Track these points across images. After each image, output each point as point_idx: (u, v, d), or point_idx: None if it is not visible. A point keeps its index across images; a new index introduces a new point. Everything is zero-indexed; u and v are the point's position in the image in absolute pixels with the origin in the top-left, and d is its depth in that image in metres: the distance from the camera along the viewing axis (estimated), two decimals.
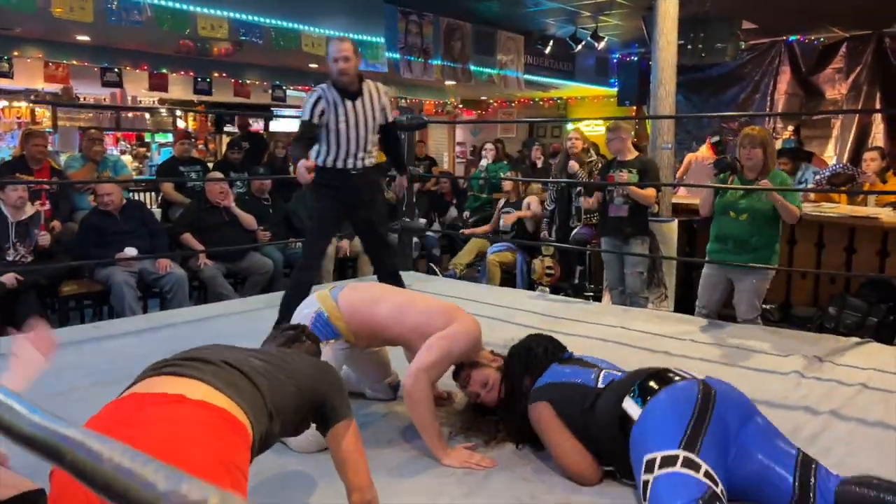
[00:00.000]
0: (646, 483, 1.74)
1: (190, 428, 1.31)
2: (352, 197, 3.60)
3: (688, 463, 1.69)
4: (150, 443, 1.21)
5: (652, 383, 1.98)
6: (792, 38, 9.57)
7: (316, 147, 3.56)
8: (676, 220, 5.27)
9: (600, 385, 2.14)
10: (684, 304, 5.05)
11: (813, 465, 1.83)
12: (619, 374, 2.21)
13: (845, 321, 4.64)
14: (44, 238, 4.46)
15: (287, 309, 3.20)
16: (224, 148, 9.44)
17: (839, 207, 5.27)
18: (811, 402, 2.81)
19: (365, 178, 3.64)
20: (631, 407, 1.95)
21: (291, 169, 3.09)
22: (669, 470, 1.69)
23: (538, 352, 2.36)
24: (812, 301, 5.15)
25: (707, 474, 1.67)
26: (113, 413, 1.37)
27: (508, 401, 2.35)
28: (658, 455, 1.74)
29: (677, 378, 1.99)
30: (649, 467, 1.75)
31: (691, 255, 5.42)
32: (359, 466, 1.70)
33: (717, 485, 1.66)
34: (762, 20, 8.40)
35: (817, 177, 6.03)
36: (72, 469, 0.37)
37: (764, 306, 4.34)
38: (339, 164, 3.56)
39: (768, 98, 9.74)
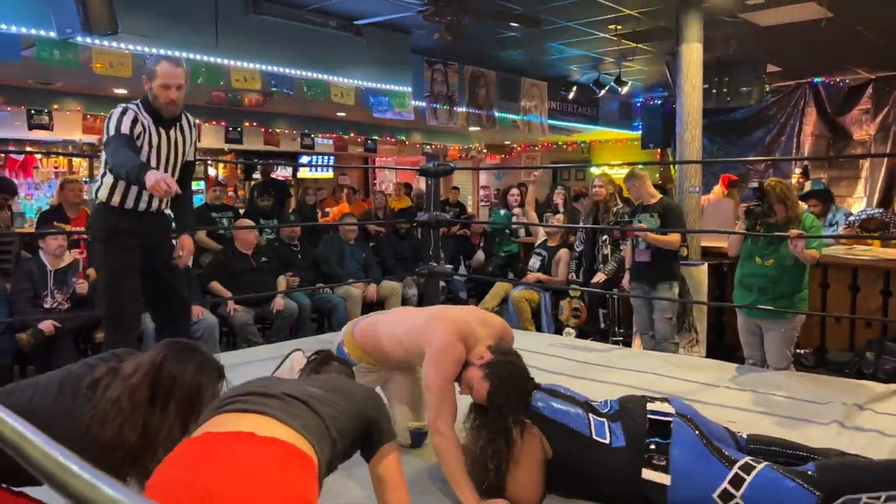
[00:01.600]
0: None
1: (263, 465, 1.36)
2: (149, 244, 3.02)
3: (746, 469, 2.00)
4: (227, 485, 1.29)
5: (657, 441, 2.08)
6: (817, 79, 9.58)
7: (105, 181, 2.94)
8: (706, 264, 5.23)
9: (594, 435, 2.15)
10: (716, 348, 4.98)
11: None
12: (602, 419, 2.22)
13: (884, 366, 4.52)
14: (82, 286, 4.55)
15: None
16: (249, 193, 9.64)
17: (873, 250, 5.19)
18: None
19: (164, 220, 3.16)
20: (656, 477, 2.04)
21: (146, 183, 2.57)
22: (744, 485, 1.98)
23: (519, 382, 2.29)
24: (848, 345, 5.04)
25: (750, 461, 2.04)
26: (190, 452, 1.41)
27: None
28: (724, 485, 1.98)
29: (666, 420, 2.14)
30: (727, 497, 1.97)
31: (722, 299, 5.35)
32: (401, 489, 1.73)
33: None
34: (787, 63, 8.43)
35: (850, 219, 5.97)
36: None
37: (798, 351, 4.27)
38: (142, 206, 2.97)
39: (794, 140, 9.71)
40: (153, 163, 2.92)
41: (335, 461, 1.60)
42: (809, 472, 2.01)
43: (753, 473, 1.98)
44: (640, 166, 4.99)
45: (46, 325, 4.26)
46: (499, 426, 2.17)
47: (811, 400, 3.39)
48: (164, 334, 2.79)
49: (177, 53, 5.70)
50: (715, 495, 1.96)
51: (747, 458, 2.04)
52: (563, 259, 6.14)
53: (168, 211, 3.22)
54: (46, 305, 4.44)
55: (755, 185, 4.05)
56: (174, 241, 3.21)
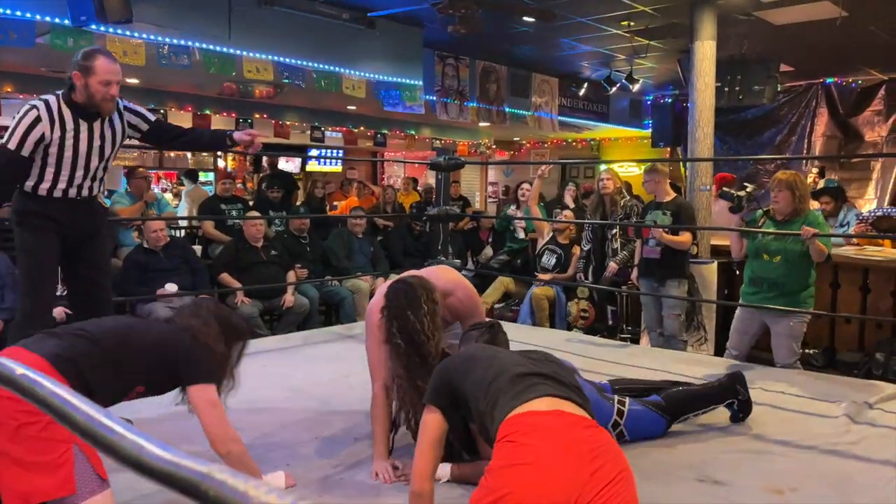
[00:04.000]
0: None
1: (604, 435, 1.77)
2: (73, 230, 2.88)
3: (622, 404, 2.69)
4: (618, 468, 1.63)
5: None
6: (829, 80, 9.54)
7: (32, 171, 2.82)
8: (716, 262, 5.22)
9: None
10: (724, 346, 4.97)
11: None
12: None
13: (894, 368, 4.51)
14: None
15: None
16: (257, 185, 9.64)
17: (884, 251, 5.16)
18: (863, 450, 2.72)
19: (94, 207, 3.02)
20: None
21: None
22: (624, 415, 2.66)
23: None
24: (858, 346, 5.02)
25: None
26: (534, 428, 1.66)
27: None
28: (614, 417, 2.64)
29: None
30: (615, 426, 2.63)
31: (731, 297, 5.34)
32: None
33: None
34: (799, 63, 8.39)
35: (862, 216, 5.94)
36: None
37: (807, 351, 4.26)
38: (71, 193, 2.85)
39: (805, 140, 9.67)
40: (76, 160, 2.80)
41: None
42: (659, 402, 2.75)
43: (627, 406, 2.67)
44: (659, 164, 4.95)
45: (58, 312, 4.22)
46: (393, 343, 2.33)
47: (820, 398, 3.38)
48: None
49: (190, 43, 5.73)
50: (609, 426, 2.55)
51: (617, 397, 2.70)
52: (577, 255, 6.16)
53: (101, 198, 3.11)
54: (56, 293, 4.44)
55: (727, 190, 4.09)
56: (104, 230, 3.10)
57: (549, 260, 6.33)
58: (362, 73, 7.03)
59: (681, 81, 8.19)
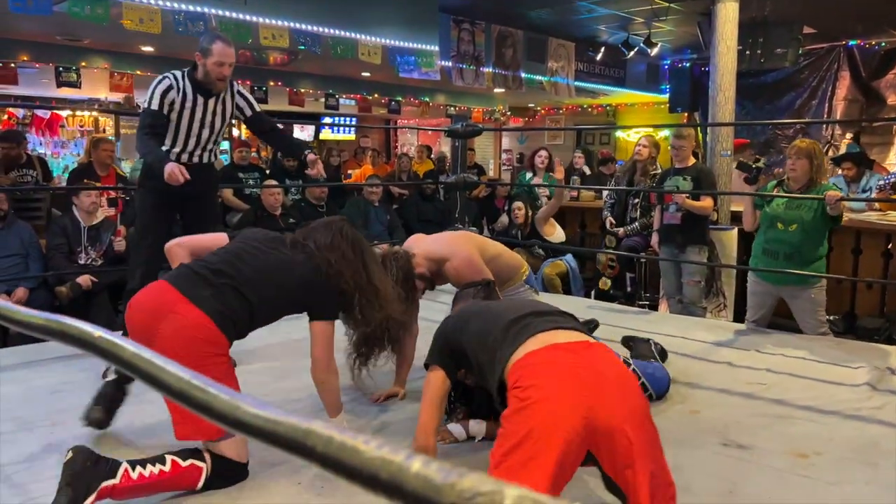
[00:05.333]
0: None
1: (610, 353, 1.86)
2: (187, 192, 3.22)
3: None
4: (605, 363, 1.77)
5: None
6: (852, 42, 9.33)
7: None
8: (736, 229, 5.19)
9: None
10: (743, 313, 4.96)
11: None
12: None
13: None
14: (120, 244, 4.62)
15: None
16: (272, 154, 9.62)
17: None
18: (887, 415, 2.73)
19: (210, 173, 3.46)
20: None
21: (164, 173, 2.98)
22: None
23: None
24: (879, 312, 5.01)
25: None
26: (555, 354, 1.75)
27: None
28: None
29: None
30: None
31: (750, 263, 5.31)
32: None
33: None
34: (822, 24, 8.21)
35: (881, 183, 5.87)
36: (324, 462, 0.39)
37: (828, 318, 4.24)
38: (184, 158, 3.27)
39: (826, 104, 9.50)
40: (191, 128, 3.22)
41: None
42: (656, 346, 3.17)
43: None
44: (685, 128, 4.89)
45: (84, 280, 4.34)
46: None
47: (842, 363, 3.39)
48: None
49: (206, 10, 5.69)
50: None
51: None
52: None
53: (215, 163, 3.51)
54: (80, 261, 4.51)
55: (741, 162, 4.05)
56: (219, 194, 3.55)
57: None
58: (378, 39, 6.96)
59: (700, 45, 8.05)
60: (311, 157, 3.54)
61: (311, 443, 0.39)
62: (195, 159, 3.32)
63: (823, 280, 3.82)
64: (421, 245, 2.97)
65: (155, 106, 3.15)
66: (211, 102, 3.26)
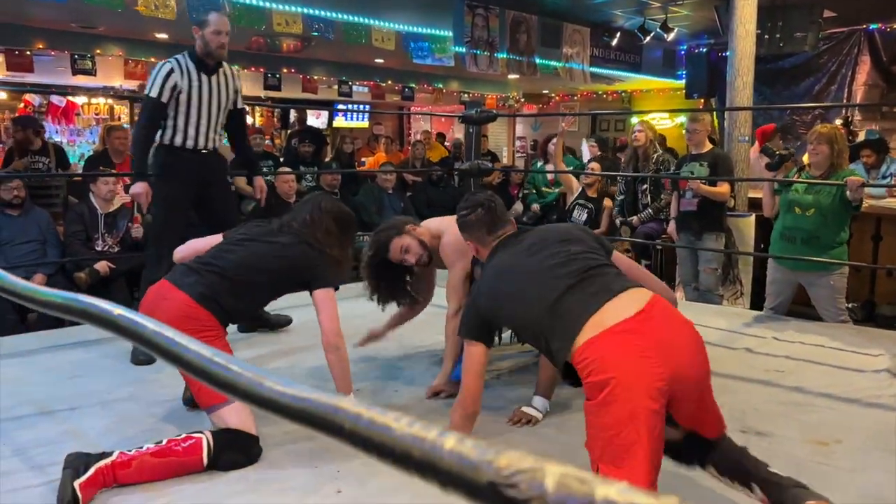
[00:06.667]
0: None
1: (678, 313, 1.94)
2: (203, 180, 3.36)
3: None
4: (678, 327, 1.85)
5: None
6: (873, 26, 9.17)
7: (166, 124, 3.30)
8: (753, 215, 5.13)
9: None
10: (760, 301, 4.92)
11: None
12: None
13: None
14: (137, 231, 4.64)
15: None
16: (286, 141, 9.62)
17: None
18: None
19: (217, 159, 3.49)
20: None
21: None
22: None
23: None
24: None
25: None
26: (632, 329, 1.75)
27: None
28: None
29: None
30: None
31: (768, 251, 5.25)
32: None
33: None
34: (842, 8, 8.07)
35: None
36: (353, 439, 0.38)
37: (847, 305, 4.19)
38: (190, 144, 3.31)
39: (845, 89, 9.35)
40: (196, 107, 3.28)
41: None
42: None
43: None
44: (694, 113, 4.83)
45: (102, 266, 4.37)
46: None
47: (861, 351, 3.35)
48: None
49: None
50: None
51: None
52: (608, 208, 6.07)
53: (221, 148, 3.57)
54: (98, 248, 4.54)
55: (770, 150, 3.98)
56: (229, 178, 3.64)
57: (580, 215, 6.25)
58: (392, 25, 6.92)
59: (717, 30, 7.94)
60: (258, 181, 3.72)
61: (340, 420, 0.38)
62: (210, 144, 3.38)
63: (845, 267, 3.77)
64: (432, 222, 3.06)
65: (155, 93, 3.20)
66: (214, 80, 3.34)
